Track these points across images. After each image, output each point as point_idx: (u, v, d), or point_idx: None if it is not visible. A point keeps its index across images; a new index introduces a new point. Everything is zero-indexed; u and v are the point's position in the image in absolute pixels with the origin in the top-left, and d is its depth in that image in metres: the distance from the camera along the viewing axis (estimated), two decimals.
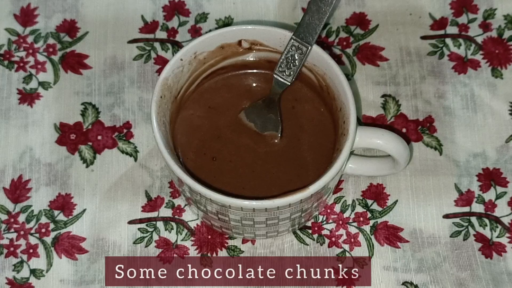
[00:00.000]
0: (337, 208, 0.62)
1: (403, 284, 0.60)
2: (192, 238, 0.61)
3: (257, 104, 0.58)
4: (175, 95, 0.57)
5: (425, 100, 0.65)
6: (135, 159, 0.63)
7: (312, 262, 0.60)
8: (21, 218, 0.62)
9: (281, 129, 0.58)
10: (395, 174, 0.62)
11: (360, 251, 0.61)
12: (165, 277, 0.60)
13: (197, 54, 0.57)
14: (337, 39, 0.67)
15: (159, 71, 0.66)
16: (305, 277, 0.60)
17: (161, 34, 0.68)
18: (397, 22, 0.68)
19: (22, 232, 0.61)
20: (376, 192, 0.62)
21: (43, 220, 0.61)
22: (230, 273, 0.60)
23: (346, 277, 0.60)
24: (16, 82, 0.66)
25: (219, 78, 0.60)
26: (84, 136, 0.64)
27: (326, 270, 0.60)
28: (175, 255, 0.60)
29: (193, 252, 0.61)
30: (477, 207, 0.62)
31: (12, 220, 0.62)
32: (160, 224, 0.61)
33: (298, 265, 0.60)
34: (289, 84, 0.57)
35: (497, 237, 0.61)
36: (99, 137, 0.64)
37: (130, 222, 0.61)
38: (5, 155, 0.64)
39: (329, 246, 0.61)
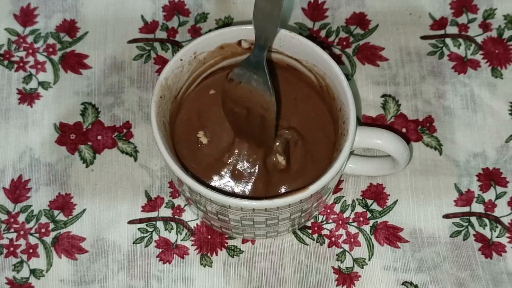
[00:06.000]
0: (337, 208, 0.62)
1: (403, 284, 0.60)
2: (192, 238, 0.61)
3: (243, 66, 0.55)
4: (175, 95, 0.57)
5: (425, 100, 0.65)
6: (135, 159, 0.63)
7: (312, 262, 0.60)
8: (21, 218, 0.62)
9: (272, 91, 0.54)
10: (395, 174, 0.62)
11: (360, 251, 0.61)
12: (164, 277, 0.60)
13: (197, 54, 0.57)
14: (337, 39, 0.67)
15: (159, 71, 0.66)
16: (305, 277, 0.60)
17: (161, 34, 0.68)
18: (397, 22, 0.68)
19: (22, 232, 0.61)
20: (376, 192, 0.62)
21: (43, 220, 0.61)
22: (230, 273, 0.60)
23: (346, 277, 0.60)
24: (16, 82, 0.66)
25: (220, 78, 0.60)
26: (84, 136, 0.64)
27: (326, 270, 0.60)
28: (175, 255, 0.60)
29: (193, 252, 0.61)
30: (477, 207, 0.62)
31: (12, 220, 0.62)
32: (160, 224, 0.61)
33: (298, 265, 0.60)
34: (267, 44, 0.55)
35: (497, 237, 0.61)
36: (99, 137, 0.64)
37: (130, 222, 0.61)
38: (5, 155, 0.64)
39: (329, 246, 0.61)
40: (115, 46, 0.67)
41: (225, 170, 0.57)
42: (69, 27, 0.68)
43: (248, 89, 0.54)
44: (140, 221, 0.62)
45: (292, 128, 0.58)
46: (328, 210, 0.62)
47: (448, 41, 0.67)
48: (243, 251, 0.61)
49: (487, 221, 0.62)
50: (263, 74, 0.54)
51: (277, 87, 0.59)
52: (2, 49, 0.67)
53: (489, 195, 0.63)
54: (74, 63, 0.67)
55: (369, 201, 0.62)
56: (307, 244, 0.61)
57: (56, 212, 0.62)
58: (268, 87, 0.54)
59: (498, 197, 0.62)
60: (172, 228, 0.61)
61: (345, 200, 0.62)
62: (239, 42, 0.58)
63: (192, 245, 0.61)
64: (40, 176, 0.63)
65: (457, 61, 0.67)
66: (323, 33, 0.68)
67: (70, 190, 0.62)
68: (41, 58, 0.67)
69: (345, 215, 0.62)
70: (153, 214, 0.62)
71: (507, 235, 0.61)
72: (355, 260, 0.60)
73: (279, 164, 0.57)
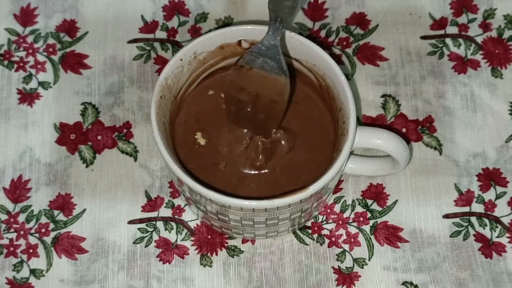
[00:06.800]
0: (337, 208, 0.62)
1: (403, 284, 0.60)
2: (192, 238, 0.61)
3: (254, 52, 0.54)
4: (175, 95, 0.57)
5: (425, 100, 0.65)
6: (135, 159, 0.63)
7: (312, 262, 0.60)
8: (21, 218, 0.62)
9: (287, 74, 0.54)
10: (395, 174, 0.62)
11: (360, 251, 0.61)
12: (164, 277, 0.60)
13: (197, 54, 0.57)
14: (337, 39, 0.67)
15: (159, 71, 0.66)
16: (305, 277, 0.60)
17: (161, 34, 0.68)
18: (397, 22, 0.68)
19: (22, 232, 0.61)
20: (376, 192, 0.62)
21: (43, 220, 0.61)
22: (230, 273, 0.60)
23: (346, 277, 0.60)
24: (16, 82, 0.66)
25: (218, 78, 0.60)
26: (84, 136, 0.64)
27: (326, 270, 0.60)
28: (175, 255, 0.60)
29: (193, 252, 0.61)
30: (477, 207, 0.62)
31: (12, 220, 0.62)
32: (160, 224, 0.61)
33: (298, 265, 0.60)
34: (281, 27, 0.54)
35: (497, 237, 0.61)
36: (99, 137, 0.64)
37: (130, 222, 0.61)
38: (5, 155, 0.64)
39: (329, 246, 0.61)
40: (115, 46, 0.67)
41: (223, 171, 0.57)
42: (69, 27, 0.68)
43: (260, 75, 0.53)
44: (140, 221, 0.62)
45: (286, 129, 0.58)
46: (328, 210, 0.62)
47: (448, 41, 0.67)
48: (243, 251, 0.61)
49: (487, 221, 0.62)
50: (278, 58, 0.52)
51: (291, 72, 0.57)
52: (2, 49, 0.67)
53: (489, 195, 0.63)
54: (74, 63, 0.67)
55: (369, 201, 0.62)
56: (307, 244, 0.61)
57: (56, 212, 0.62)
58: (283, 71, 0.53)
59: (498, 197, 0.62)
60: (172, 228, 0.61)
61: (345, 200, 0.62)
62: (239, 42, 0.58)
63: (192, 245, 0.61)
64: (40, 176, 0.63)
65: (457, 61, 0.67)
66: (323, 33, 0.68)
67: (70, 190, 0.62)
68: (41, 58, 0.67)
69: (345, 215, 0.62)
70: (153, 214, 0.62)
71: (507, 235, 0.61)
72: (355, 260, 0.60)
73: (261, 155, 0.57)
